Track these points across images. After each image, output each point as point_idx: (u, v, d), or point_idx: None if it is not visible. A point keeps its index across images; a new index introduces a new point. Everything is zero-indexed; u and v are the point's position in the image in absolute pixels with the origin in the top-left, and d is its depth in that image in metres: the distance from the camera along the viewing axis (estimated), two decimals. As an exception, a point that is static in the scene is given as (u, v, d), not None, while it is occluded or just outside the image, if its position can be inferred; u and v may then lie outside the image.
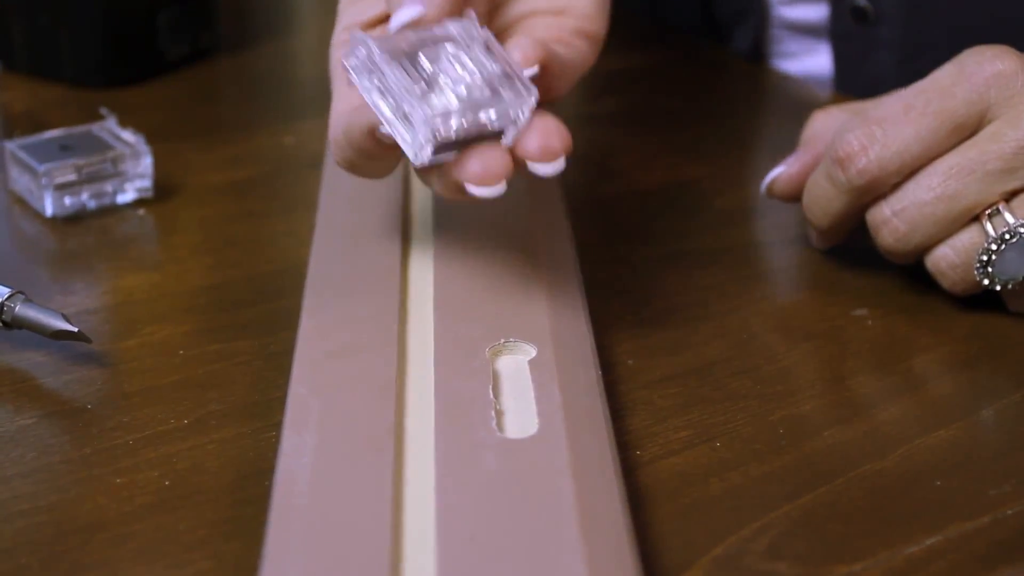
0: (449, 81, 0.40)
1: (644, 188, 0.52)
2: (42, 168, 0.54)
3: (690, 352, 0.46)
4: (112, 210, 0.56)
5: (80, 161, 0.55)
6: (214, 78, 0.73)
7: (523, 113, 0.40)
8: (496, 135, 0.40)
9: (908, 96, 0.48)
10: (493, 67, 0.41)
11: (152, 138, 0.57)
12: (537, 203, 0.51)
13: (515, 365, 0.42)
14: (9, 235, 0.55)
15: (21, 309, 0.44)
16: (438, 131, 0.39)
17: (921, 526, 0.38)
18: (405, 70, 0.40)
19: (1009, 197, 0.47)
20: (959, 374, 0.46)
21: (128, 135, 0.57)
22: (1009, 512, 0.38)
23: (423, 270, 0.47)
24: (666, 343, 0.47)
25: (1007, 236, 0.46)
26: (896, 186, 0.47)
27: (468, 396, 0.40)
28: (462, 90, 0.40)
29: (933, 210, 0.47)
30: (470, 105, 0.40)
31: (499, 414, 0.39)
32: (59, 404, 0.43)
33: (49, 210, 0.55)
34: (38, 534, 0.37)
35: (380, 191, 0.52)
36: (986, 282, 0.47)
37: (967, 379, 0.45)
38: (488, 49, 0.41)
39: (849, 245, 0.52)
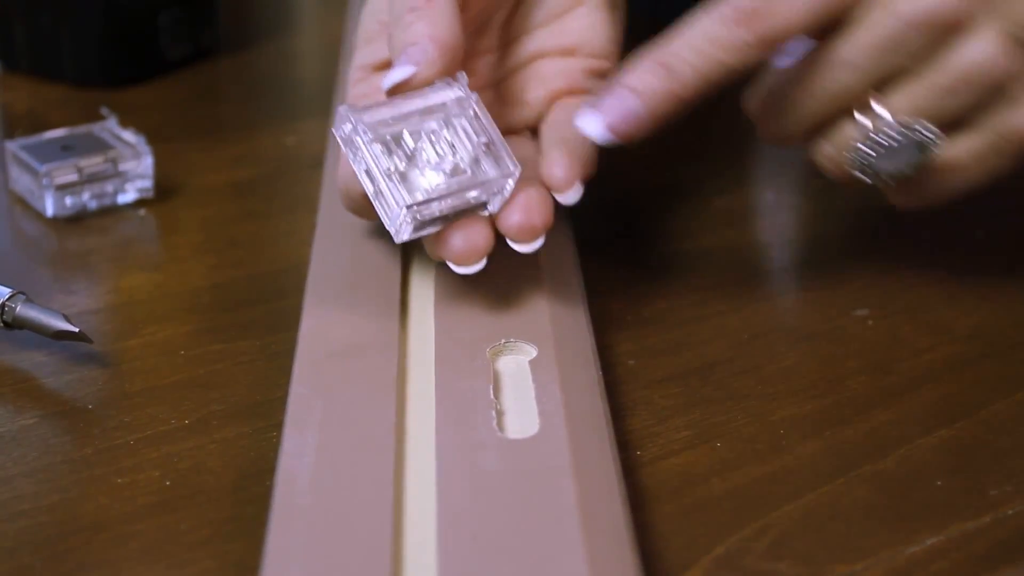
0: (432, 159, 0.41)
1: (644, 188, 0.52)
2: (43, 168, 0.54)
3: (691, 352, 0.46)
4: (113, 210, 0.56)
5: (81, 161, 0.55)
6: (215, 78, 0.73)
7: (507, 187, 0.41)
8: (480, 205, 0.41)
9: None
10: (478, 139, 0.41)
11: (153, 138, 0.57)
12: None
13: (516, 365, 0.42)
14: (10, 235, 0.55)
15: (22, 309, 0.44)
16: (417, 215, 0.40)
17: (922, 526, 0.38)
18: (387, 148, 0.41)
19: (882, 85, 0.45)
20: (960, 374, 0.46)
21: (129, 135, 0.57)
22: (1010, 512, 0.39)
23: (424, 270, 0.47)
24: (667, 343, 0.47)
25: (882, 134, 0.44)
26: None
27: (469, 396, 0.40)
28: (446, 167, 0.41)
29: (809, 106, 0.45)
30: (452, 186, 0.40)
31: (500, 414, 0.39)
32: (60, 404, 0.43)
33: (50, 210, 0.55)
34: (40, 534, 0.37)
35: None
36: (867, 179, 0.45)
37: (968, 379, 0.45)
38: (476, 117, 0.41)
39: (848, 245, 0.52)
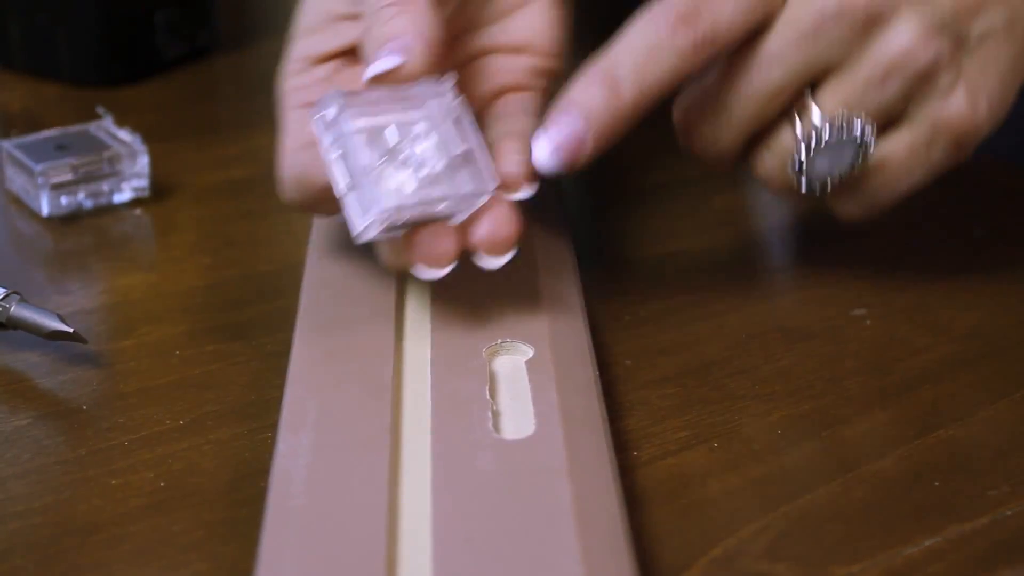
0: (411, 162, 0.40)
1: (642, 187, 0.52)
2: (38, 168, 0.54)
3: (688, 352, 0.46)
4: (108, 210, 0.56)
5: (76, 161, 0.55)
6: (212, 77, 0.73)
7: (478, 203, 0.40)
8: (447, 217, 0.40)
9: None
10: (460, 147, 0.40)
11: (149, 137, 0.57)
12: (534, 202, 0.51)
13: (512, 365, 0.42)
14: (5, 235, 0.55)
15: (16, 310, 0.44)
16: (388, 219, 0.39)
17: (920, 527, 0.38)
18: (369, 143, 0.39)
19: (812, 85, 0.44)
20: (958, 374, 0.45)
21: (125, 134, 0.57)
22: (1008, 513, 0.38)
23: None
24: (664, 343, 0.47)
25: (816, 133, 0.44)
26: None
27: (465, 396, 0.40)
28: (423, 174, 0.40)
29: (739, 108, 0.45)
30: (425, 195, 0.39)
31: (496, 415, 0.39)
32: (54, 405, 0.43)
33: (45, 210, 0.55)
34: (33, 536, 0.37)
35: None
36: (808, 187, 0.45)
37: (966, 379, 0.45)
38: (459, 123, 0.41)
39: (846, 244, 0.51)
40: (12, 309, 0.44)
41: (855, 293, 0.50)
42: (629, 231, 0.54)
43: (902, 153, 0.45)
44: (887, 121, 0.45)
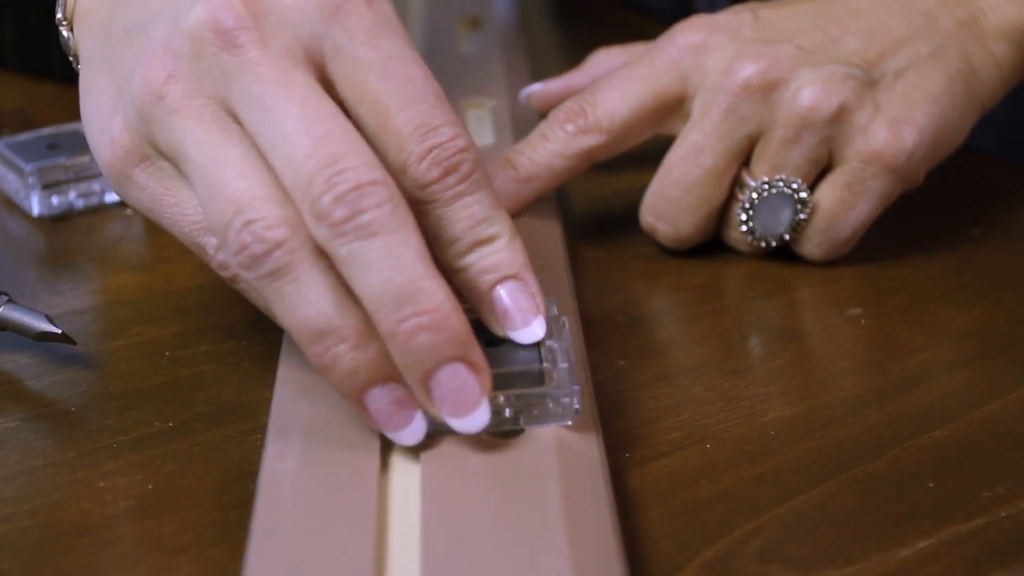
0: None
1: (636, 184, 0.52)
2: (29, 167, 0.54)
3: (682, 352, 0.46)
4: (100, 209, 0.56)
5: (67, 160, 0.55)
6: (205, 75, 0.72)
7: None
8: None
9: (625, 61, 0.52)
10: None
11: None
12: (531, 205, 0.51)
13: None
14: (-4, 235, 0.55)
15: (5, 311, 0.44)
16: None
17: (914, 529, 0.37)
18: None
19: (747, 159, 0.50)
20: (954, 374, 0.45)
21: (116, 133, 0.56)
22: (1003, 514, 0.38)
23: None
24: (657, 343, 0.46)
25: (753, 198, 0.49)
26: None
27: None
28: None
29: (686, 199, 0.50)
30: None
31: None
32: (43, 406, 0.43)
33: (36, 210, 0.54)
34: (20, 538, 0.37)
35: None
36: (763, 244, 0.50)
37: (962, 379, 0.45)
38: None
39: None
40: (1, 310, 0.44)
41: (850, 292, 0.50)
42: (623, 228, 0.54)
43: (841, 192, 0.49)
44: (820, 168, 0.49)
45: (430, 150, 0.38)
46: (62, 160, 0.55)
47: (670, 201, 0.50)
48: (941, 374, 0.45)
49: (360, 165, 0.36)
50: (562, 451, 0.37)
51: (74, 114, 0.59)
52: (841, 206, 0.49)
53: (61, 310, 0.48)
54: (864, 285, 0.50)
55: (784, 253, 0.51)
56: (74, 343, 0.44)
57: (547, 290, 0.45)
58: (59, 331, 0.43)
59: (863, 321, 0.48)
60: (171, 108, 0.38)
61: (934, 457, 0.41)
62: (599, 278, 0.50)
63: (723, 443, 0.41)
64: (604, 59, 0.56)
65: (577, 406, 0.38)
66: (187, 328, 0.47)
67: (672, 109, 0.50)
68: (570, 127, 0.50)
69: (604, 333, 0.46)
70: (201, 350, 0.46)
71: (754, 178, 0.49)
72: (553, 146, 0.50)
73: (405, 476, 0.37)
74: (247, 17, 0.38)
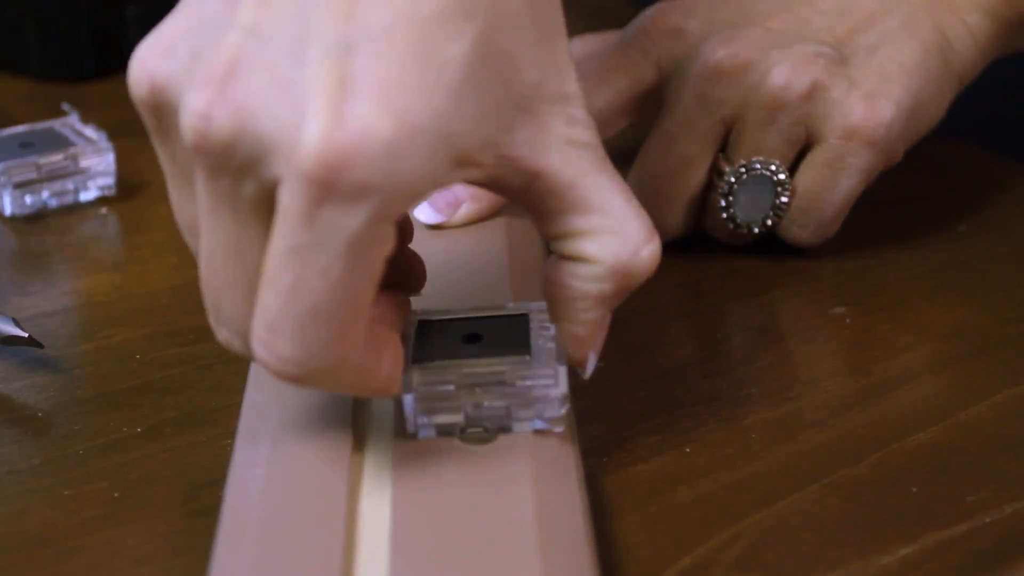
0: None
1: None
2: (0, 166, 0.53)
3: (662, 353, 0.45)
4: (74, 208, 0.55)
5: (40, 159, 0.54)
6: (185, 71, 0.71)
7: None
8: None
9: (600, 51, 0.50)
10: None
11: (117, 134, 0.56)
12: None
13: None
14: (-32, 235, 0.54)
15: (-30, 314, 0.43)
16: None
17: (896, 535, 0.37)
18: None
19: (723, 144, 0.49)
20: (939, 375, 0.44)
21: (90, 131, 0.56)
22: (987, 520, 0.37)
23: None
24: (638, 343, 0.46)
25: (732, 183, 0.48)
26: None
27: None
28: None
29: (663, 189, 0.49)
30: None
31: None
32: (8, 412, 0.42)
33: (8, 209, 0.54)
34: (-19, 549, 0.36)
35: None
36: (744, 231, 0.49)
37: (947, 380, 0.44)
38: None
39: (826, 241, 0.50)
40: (-33, 313, 0.43)
41: (834, 291, 0.49)
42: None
43: (820, 170, 0.48)
44: (798, 149, 0.48)
45: None
46: (36, 159, 0.54)
47: (648, 192, 0.49)
48: (926, 375, 0.44)
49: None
50: (536, 457, 0.36)
51: (49, 112, 0.58)
52: (822, 184, 0.48)
53: (31, 312, 0.47)
54: (848, 283, 0.49)
55: (767, 249, 0.50)
56: (41, 347, 0.43)
57: (526, 291, 0.44)
58: (26, 335, 0.43)
59: (848, 320, 0.47)
60: None
61: (917, 461, 0.40)
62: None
63: (702, 447, 0.40)
64: (578, 48, 0.55)
65: (565, 392, 0.37)
66: (158, 331, 0.46)
67: (647, 98, 0.49)
68: None
69: (583, 334, 0.45)
70: (172, 353, 0.45)
71: (731, 163, 0.48)
72: None
73: (376, 483, 0.36)
74: None
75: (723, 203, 0.49)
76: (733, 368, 0.44)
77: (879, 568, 0.35)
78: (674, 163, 0.49)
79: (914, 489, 0.38)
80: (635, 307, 0.48)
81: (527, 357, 0.37)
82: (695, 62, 0.48)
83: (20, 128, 0.56)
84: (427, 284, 0.43)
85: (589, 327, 0.37)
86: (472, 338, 0.38)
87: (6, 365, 0.44)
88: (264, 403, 0.39)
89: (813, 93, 0.47)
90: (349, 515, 0.35)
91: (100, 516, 0.37)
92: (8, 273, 0.51)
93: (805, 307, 0.48)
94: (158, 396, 0.42)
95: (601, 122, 0.48)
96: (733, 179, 0.48)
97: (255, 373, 0.40)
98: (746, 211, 0.49)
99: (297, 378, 0.33)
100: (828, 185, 0.48)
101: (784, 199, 0.48)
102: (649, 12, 0.50)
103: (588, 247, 0.36)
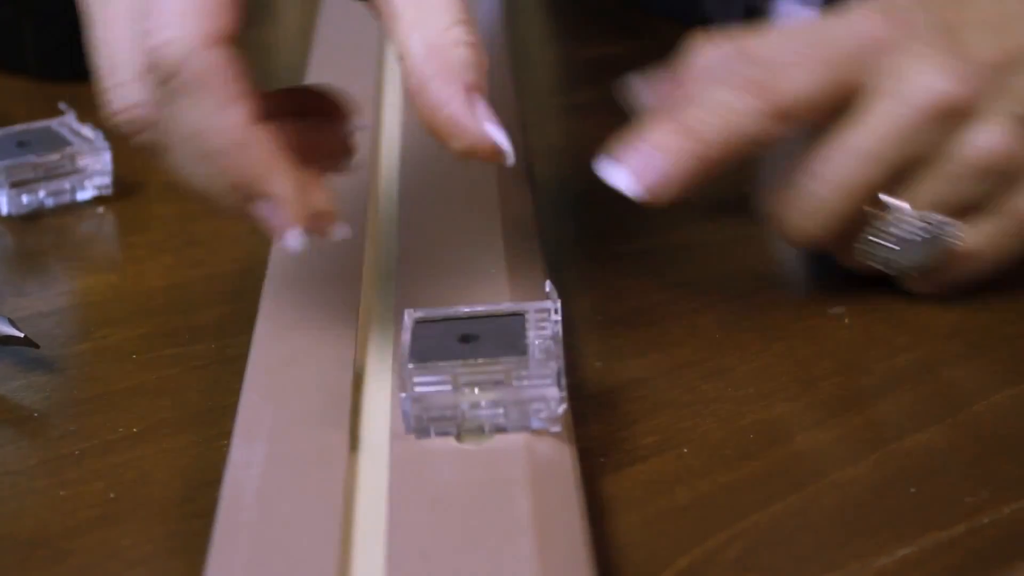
0: None
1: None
2: (-3, 165, 0.53)
3: (660, 353, 0.45)
4: (71, 208, 0.55)
5: (37, 158, 0.54)
6: (183, 70, 0.71)
7: None
8: None
9: (795, 38, 0.46)
10: None
11: (114, 133, 0.55)
12: (504, 197, 0.50)
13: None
14: (-36, 235, 0.54)
15: (-34, 314, 0.43)
16: None
17: (894, 536, 0.36)
18: None
19: (900, 177, 0.45)
20: (938, 375, 0.44)
21: (87, 130, 0.55)
22: (986, 520, 0.37)
23: (384, 275, 0.46)
24: (636, 343, 0.45)
25: (902, 228, 0.45)
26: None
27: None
28: None
29: (834, 200, 0.45)
30: None
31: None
32: (4, 412, 0.42)
33: (5, 208, 0.53)
34: (-24, 551, 0.36)
35: (344, 193, 0.50)
36: (888, 271, 0.47)
37: (946, 380, 0.44)
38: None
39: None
40: (-38, 313, 0.43)
41: (833, 290, 0.48)
42: (603, 227, 0.53)
43: (982, 244, 0.46)
44: (967, 211, 0.45)
45: None
46: (32, 158, 0.54)
47: (813, 197, 0.45)
48: (925, 375, 0.44)
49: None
50: (533, 457, 0.36)
51: (46, 111, 0.58)
52: (977, 258, 0.46)
53: (27, 312, 0.47)
54: (848, 283, 0.49)
55: (766, 248, 0.50)
56: (37, 347, 0.43)
57: (520, 288, 0.44)
58: (21, 335, 0.43)
59: (847, 320, 0.47)
60: None
61: (916, 461, 0.40)
62: (576, 277, 0.49)
63: (701, 447, 0.40)
64: (712, 53, 0.48)
65: (562, 392, 0.37)
66: (155, 330, 0.46)
67: (841, 103, 0.45)
68: (754, 97, 0.44)
69: (581, 333, 0.45)
70: (168, 353, 0.45)
71: (914, 206, 0.45)
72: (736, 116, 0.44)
73: (372, 483, 0.36)
74: None
75: (881, 241, 0.46)
76: (731, 368, 0.44)
77: (877, 569, 0.35)
78: (860, 182, 0.45)
79: (912, 490, 0.38)
80: (634, 307, 0.48)
81: (524, 357, 0.37)
82: (912, 88, 0.44)
83: (17, 127, 0.56)
84: (425, 284, 0.43)
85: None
86: (468, 338, 0.38)
87: (1, 365, 0.44)
88: (260, 404, 0.39)
89: (1011, 170, 0.44)
90: (345, 516, 0.35)
91: (96, 517, 0.37)
92: (4, 273, 0.51)
93: (804, 307, 0.48)
94: (153, 397, 0.42)
95: (801, 112, 0.44)
96: (914, 227, 0.45)
97: (252, 373, 0.40)
98: (904, 261, 0.46)
99: None
100: (982, 259, 0.46)
101: (943, 256, 0.46)
102: (855, 12, 0.45)
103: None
